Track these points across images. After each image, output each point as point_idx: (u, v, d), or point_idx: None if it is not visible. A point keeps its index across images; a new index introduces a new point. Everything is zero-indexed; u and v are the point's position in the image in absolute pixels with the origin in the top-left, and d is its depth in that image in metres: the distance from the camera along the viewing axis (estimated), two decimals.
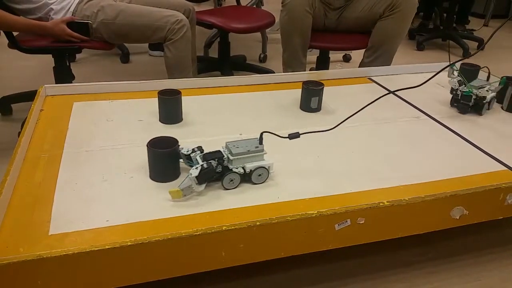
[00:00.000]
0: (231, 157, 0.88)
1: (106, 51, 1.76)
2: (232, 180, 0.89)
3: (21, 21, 1.44)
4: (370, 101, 0.97)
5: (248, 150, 0.89)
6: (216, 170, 0.88)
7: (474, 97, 1.26)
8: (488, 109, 1.30)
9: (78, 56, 2.46)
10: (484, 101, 1.26)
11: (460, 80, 1.27)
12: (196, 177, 0.84)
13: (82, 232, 0.75)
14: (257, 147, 0.90)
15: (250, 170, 0.89)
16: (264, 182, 0.92)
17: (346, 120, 0.97)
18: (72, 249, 0.68)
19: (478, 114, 1.28)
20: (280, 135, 0.93)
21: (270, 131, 0.93)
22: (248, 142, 0.91)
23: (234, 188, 0.90)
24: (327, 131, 0.97)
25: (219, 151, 0.90)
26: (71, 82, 1.67)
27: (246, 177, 0.90)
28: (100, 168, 0.94)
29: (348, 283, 1.00)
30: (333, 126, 0.97)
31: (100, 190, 0.87)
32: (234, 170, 0.88)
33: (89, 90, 1.31)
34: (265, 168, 0.91)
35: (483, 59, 2.82)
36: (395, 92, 1.44)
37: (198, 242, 0.74)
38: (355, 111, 0.97)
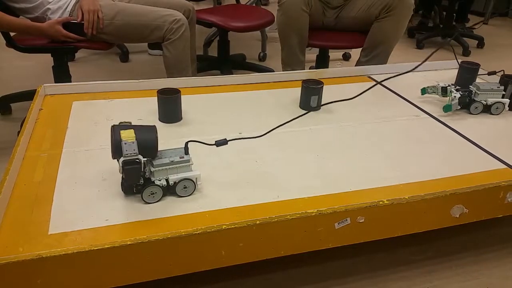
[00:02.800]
0: (152, 169, 0.82)
1: (106, 50, 1.75)
2: (153, 193, 0.82)
3: (16, 22, 1.43)
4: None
5: (172, 161, 0.83)
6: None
7: (484, 103, 1.27)
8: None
9: (77, 55, 2.46)
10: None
11: (461, 96, 1.26)
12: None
13: (82, 232, 0.75)
14: (181, 157, 0.84)
15: (174, 182, 0.83)
16: (190, 195, 0.85)
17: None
18: (71, 249, 0.68)
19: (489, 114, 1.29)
20: (207, 143, 0.88)
21: (197, 140, 0.87)
22: (172, 152, 0.84)
23: (156, 202, 0.83)
24: (257, 138, 0.93)
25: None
26: (71, 81, 1.67)
27: (171, 190, 0.84)
28: (100, 167, 0.94)
29: (348, 281, 1.00)
30: (264, 133, 0.93)
31: (99, 189, 0.87)
32: (155, 182, 0.82)
33: (88, 89, 1.31)
34: (191, 180, 0.84)
35: (483, 57, 2.82)
36: (384, 84, 1.44)
37: (197, 241, 0.74)
38: (286, 121, 0.92)
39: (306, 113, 0.98)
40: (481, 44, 3.04)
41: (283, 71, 1.83)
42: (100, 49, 1.65)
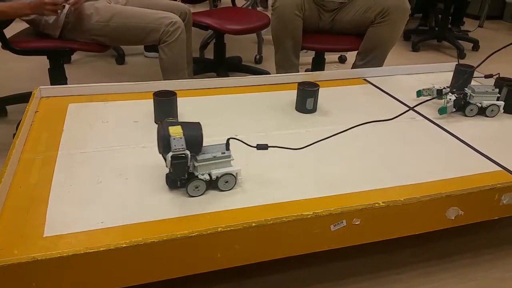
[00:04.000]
0: (196, 164, 0.85)
1: (102, 52, 1.75)
2: (197, 187, 0.86)
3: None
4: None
5: (214, 156, 0.86)
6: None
7: (479, 106, 1.28)
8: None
9: (73, 57, 2.45)
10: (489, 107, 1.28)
11: (456, 98, 1.27)
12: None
13: (77, 234, 0.74)
14: (223, 153, 0.87)
15: (217, 177, 0.86)
16: (231, 189, 0.88)
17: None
18: (66, 251, 0.68)
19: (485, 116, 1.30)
20: (249, 144, 0.90)
21: (239, 139, 0.90)
22: (214, 148, 0.87)
23: (200, 195, 0.86)
24: (296, 150, 0.95)
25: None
26: (67, 84, 1.66)
27: (213, 184, 0.87)
28: (95, 169, 0.94)
29: (344, 284, 1.00)
30: (304, 146, 0.96)
31: (95, 191, 0.86)
32: (199, 177, 0.85)
33: (84, 91, 1.31)
34: (232, 175, 0.87)
35: (478, 60, 2.84)
36: (379, 87, 1.45)
37: (193, 243, 0.74)
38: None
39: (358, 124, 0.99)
40: (476, 47, 3.06)
41: (277, 74, 1.84)
42: (96, 52, 1.65)
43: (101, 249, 0.69)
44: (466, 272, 1.05)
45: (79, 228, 0.76)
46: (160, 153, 0.85)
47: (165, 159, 0.84)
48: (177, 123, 0.84)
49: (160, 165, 0.96)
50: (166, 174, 0.88)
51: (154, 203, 0.84)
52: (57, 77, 1.62)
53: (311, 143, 0.96)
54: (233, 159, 0.89)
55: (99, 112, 1.21)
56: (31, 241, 0.72)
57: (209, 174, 0.86)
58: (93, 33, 1.54)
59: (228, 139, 0.88)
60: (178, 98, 1.16)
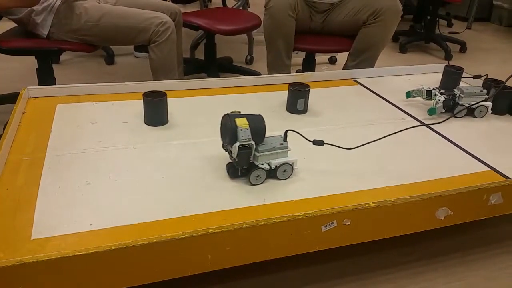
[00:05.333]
0: (257, 154, 0.90)
1: (91, 52, 1.73)
2: (258, 176, 0.91)
3: None
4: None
5: (273, 147, 0.92)
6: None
7: (468, 106, 1.29)
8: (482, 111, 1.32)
9: (62, 57, 2.42)
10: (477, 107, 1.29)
11: (445, 99, 1.28)
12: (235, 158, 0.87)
13: (65, 237, 0.73)
14: (281, 144, 0.93)
15: (276, 166, 0.92)
16: (288, 178, 0.94)
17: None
18: (55, 254, 0.67)
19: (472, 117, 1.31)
20: (305, 137, 0.97)
21: (297, 131, 0.96)
22: (272, 139, 0.93)
23: (260, 183, 0.92)
24: (348, 149, 1.01)
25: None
26: (55, 84, 1.64)
27: (272, 173, 0.93)
28: (84, 171, 0.92)
29: (334, 284, 1.00)
30: (356, 146, 1.02)
31: (83, 193, 0.85)
32: (260, 166, 0.90)
33: (72, 92, 1.29)
34: (290, 164, 0.93)
35: (465, 62, 2.88)
36: (369, 88, 1.45)
37: (184, 245, 0.73)
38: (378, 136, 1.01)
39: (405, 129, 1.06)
40: (463, 48, 3.10)
41: (268, 74, 1.84)
42: (85, 52, 1.63)
43: (90, 251, 0.68)
44: (455, 271, 1.06)
45: (67, 231, 0.75)
46: (224, 143, 0.91)
47: (227, 150, 0.91)
48: (242, 115, 0.90)
49: (149, 166, 0.96)
50: (227, 164, 0.94)
51: (144, 205, 0.83)
52: (45, 77, 1.60)
53: (363, 143, 1.02)
54: (290, 150, 0.94)
55: (88, 112, 1.19)
56: (18, 244, 0.71)
57: (269, 164, 0.91)
58: (82, 33, 1.52)
59: (286, 131, 0.94)
60: (168, 99, 1.16)
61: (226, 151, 0.93)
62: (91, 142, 1.04)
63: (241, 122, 0.87)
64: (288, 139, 0.95)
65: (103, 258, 0.69)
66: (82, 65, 2.39)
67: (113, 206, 0.82)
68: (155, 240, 0.71)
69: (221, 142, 1.07)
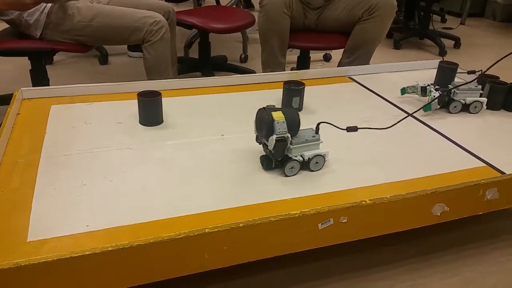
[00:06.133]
0: (291, 146, 0.93)
1: (85, 53, 1.72)
2: (292, 167, 0.94)
3: None
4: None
5: (306, 139, 0.95)
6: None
7: (463, 102, 1.30)
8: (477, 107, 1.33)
9: (55, 58, 2.41)
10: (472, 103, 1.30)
11: (440, 95, 1.29)
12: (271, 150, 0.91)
13: (61, 238, 0.73)
14: (313, 136, 0.96)
15: (309, 158, 0.95)
16: (320, 169, 0.97)
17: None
18: (51, 256, 0.66)
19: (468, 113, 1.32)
20: (338, 126, 0.99)
21: (329, 123, 0.98)
22: (305, 132, 0.96)
23: (294, 175, 0.95)
24: (383, 129, 1.05)
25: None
26: (49, 85, 1.63)
27: (305, 165, 0.96)
28: (79, 172, 0.92)
29: (331, 281, 1.00)
30: (390, 125, 1.05)
31: (79, 194, 0.85)
32: (294, 158, 0.93)
33: (66, 92, 1.28)
34: (322, 156, 0.96)
35: (459, 58, 2.89)
36: (364, 84, 1.46)
37: (180, 245, 0.73)
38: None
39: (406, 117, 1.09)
40: (457, 44, 3.11)
41: (263, 73, 1.84)
42: (78, 52, 1.62)
43: (86, 253, 0.67)
44: (451, 267, 1.07)
45: (63, 232, 0.74)
46: (260, 136, 0.95)
47: (260, 142, 0.96)
48: (277, 109, 0.93)
49: (145, 166, 0.95)
50: (261, 157, 0.98)
51: (140, 205, 0.83)
52: (39, 78, 1.59)
53: (396, 121, 1.06)
54: (322, 142, 0.97)
55: (82, 113, 1.19)
56: (14, 247, 0.71)
57: (302, 156, 0.94)
58: (75, 33, 1.51)
59: (319, 124, 0.97)
60: (163, 98, 1.15)
61: (260, 144, 0.97)
62: (85, 143, 1.03)
63: (278, 116, 0.91)
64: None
65: (100, 259, 0.69)
66: (75, 66, 2.38)
67: (109, 207, 0.82)
68: (151, 241, 0.70)
69: (215, 142, 1.07)
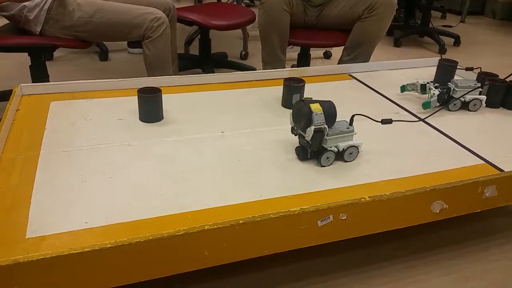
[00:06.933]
0: (326, 137, 0.96)
1: (85, 49, 1.72)
2: (328, 158, 0.98)
3: None
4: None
5: (341, 131, 0.98)
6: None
7: (462, 100, 1.30)
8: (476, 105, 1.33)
9: (55, 54, 2.40)
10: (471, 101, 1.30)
11: (440, 93, 1.28)
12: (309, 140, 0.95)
13: (60, 235, 0.73)
14: (348, 127, 0.99)
15: (343, 149, 0.98)
16: (354, 160, 1.01)
17: None
18: (50, 253, 0.66)
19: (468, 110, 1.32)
20: (373, 118, 1.05)
21: (364, 115, 1.03)
22: (339, 124, 0.99)
23: (329, 165, 0.98)
24: (417, 121, 1.15)
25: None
26: (48, 81, 1.63)
27: (339, 156, 0.99)
28: (79, 168, 0.92)
29: (330, 278, 1.01)
30: (426, 116, 1.14)
31: (78, 191, 0.85)
32: (329, 149, 0.97)
33: (66, 89, 1.28)
34: (356, 147, 0.99)
35: (459, 55, 2.89)
36: (364, 82, 1.45)
37: (180, 242, 0.73)
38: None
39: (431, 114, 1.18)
40: (457, 42, 3.11)
41: (263, 70, 1.83)
42: (79, 48, 1.62)
43: (86, 249, 0.67)
44: (450, 264, 1.07)
45: (62, 229, 0.74)
46: (297, 127, 0.98)
47: (296, 134, 1.00)
48: (315, 101, 0.96)
49: (145, 163, 0.95)
50: (297, 148, 1.01)
51: (139, 202, 0.83)
52: (39, 74, 1.59)
53: (432, 112, 1.17)
54: (356, 133, 1.00)
55: (82, 109, 1.18)
56: (13, 243, 0.71)
57: (336, 147, 0.98)
58: (75, 29, 1.51)
59: (353, 116, 1.00)
60: (163, 95, 1.15)
61: (296, 135, 1.01)
62: (85, 140, 1.03)
63: (316, 107, 0.94)
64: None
65: (99, 256, 0.69)
66: (75, 62, 2.38)
67: (109, 203, 0.82)
68: (151, 238, 0.70)
69: (215, 139, 1.07)
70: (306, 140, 0.96)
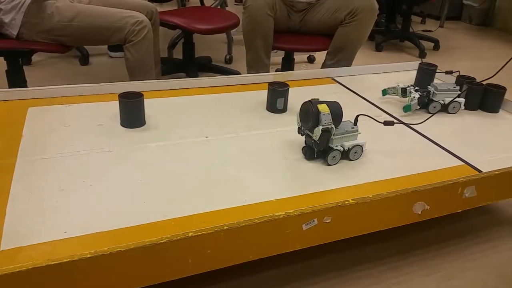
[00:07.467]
0: (333, 137, 0.99)
1: (64, 53, 1.69)
2: (334, 157, 1.00)
3: None
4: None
5: (346, 131, 1.01)
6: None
7: (442, 103, 1.32)
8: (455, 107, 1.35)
9: (34, 58, 2.35)
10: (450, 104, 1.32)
11: (420, 96, 1.31)
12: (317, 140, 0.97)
13: (38, 246, 0.71)
14: (352, 127, 1.02)
15: (348, 148, 1.01)
16: (358, 159, 1.04)
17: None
18: (26, 265, 0.64)
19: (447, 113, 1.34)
20: (376, 119, 1.10)
21: (368, 115, 1.08)
22: (344, 124, 1.02)
23: (335, 164, 1.01)
24: (416, 124, 1.19)
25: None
26: (26, 86, 1.59)
27: (344, 155, 1.02)
28: (57, 176, 0.90)
29: (316, 281, 1.00)
30: (422, 121, 1.18)
31: (57, 200, 0.83)
32: (335, 148, 1.00)
33: (45, 94, 1.25)
34: (360, 146, 1.03)
35: (439, 59, 2.95)
36: (347, 86, 1.47)
37: (163, 250, 0.72)
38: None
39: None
40: (437, 46, 3.17)
41: (248, 74, 1.83)
42: (58, 52, 1.59)
43: (64, 260, 0.65)
44: (432, 264, 1.08)
45: (39, 240, 0.72)
46: (305, 127, 1.01)
47: (303, 134, 1.03)
48: (322, 102, 0.99)
49: (126, 169, 0.94)
50: (303, 147, 1.04)
51: (120, 210, 0.81)
52: (16, 79, 1.55)
53: (426, 118, 1.20)
54: (360, 133, 1.03)
55: (61, 115, 1.16)
56: None
57: (342, 146, 1.01)
58: (54, 33, 1.48)
59: (357, 116, 1.04)
60: (145, 100, 1.13)
61: (303, 135, 1.04)
62: (64, 146, 1.01)
63: (323, 108, 0.97)
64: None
65: (78, 267, 0.67)
66: (55, 66, 2.33)
67: (88, 212, 0.80)
68: (132, 247, 0.69)
69: (199, 144, 1.06)
70: (313, 139, 0.98)
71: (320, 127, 0.96)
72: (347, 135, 1.02)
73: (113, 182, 0.89)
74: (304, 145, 1.04)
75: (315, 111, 0.97)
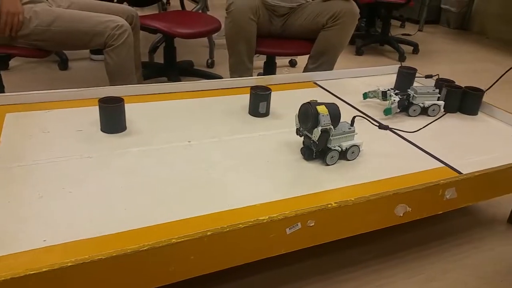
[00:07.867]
0: (331, 137, 1.02)
1: (43, 58, 1.65)
2: (333, 157, 1.03)
3: None
4: None
5: (344, 131, 1.04)
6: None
7: (422, 106, 1.35)
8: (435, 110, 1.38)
9: (11, 63, 2.29)
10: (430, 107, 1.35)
11: (400, 99, 1.33)
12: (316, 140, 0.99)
13: (16, 255, 0.69)
14: (349, 128, 1.05)
15: (346, 148, 1.03)
16: (355, 159, 1.06)
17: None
18: (4, 275, 0.62)
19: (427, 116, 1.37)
20: (372, 121, 1.16)
21: (363, 116, 1.13)
22: (341, 125, 1.04)
23: (334, 164, 1.03)
24: (411, 133, 1.21)
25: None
26: (4, 92, 1.55)
27: (342, 155, 1.04)
28: (36, 184, 0.87)
29: (301, 285, 1.01)
30: (417, 129, 1.21)
31: (36, 207, 0.81)
32: (333, 148, 1.02)
33: (23, 100, 1.22)
34: (357, 146, 1.05)
35: (418, 62, 3.01)
36: (328, 89, 1.49)
37: (145, 258, 0.71)
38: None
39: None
40: (416, 50, 3.24)
41: (230, 78, 1.83)
42: (36, 57, 1.56)
43: (44, 270, 0.64)
44: (414, 266, 1.10)
45: (18, 249, 0.70)
46: (304, 128, 1.03)
47: (302, 135, 1.05)
48: (320, 103, 1.00)
49: (106, 176, 0.92)
50: (302, 148, 1.06)
51: (101, 217, 0.80)
52: None
53: (423, 126, 1.23)
54: (357, 134, 1.06)
55: (40, 121, 1.13)
56: None
57: (340, 146, 1.03)
58: (33, 38, 1.45)
59: (354, 117, 1.07)
60: (126, 105, 1.12)
61: (301, 136, 1.06)
62: (43, 153, 0.99)
63: (322, 109, 0.99)
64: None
65: (59, 276, 0.65)
66: (33, 71, 2.28)
67: (68, 219, 0.78)
68: (114, 254, 0.68)
69: (181, 149, 1.06)
70: (312, 140, 1.00)
71: (319, 128, 0.98)
72: (345, 135, 1.04)
73: (93, 188, 0.88)
74: (303, 146, 1.06)
75: (314, 112, 0.99)
